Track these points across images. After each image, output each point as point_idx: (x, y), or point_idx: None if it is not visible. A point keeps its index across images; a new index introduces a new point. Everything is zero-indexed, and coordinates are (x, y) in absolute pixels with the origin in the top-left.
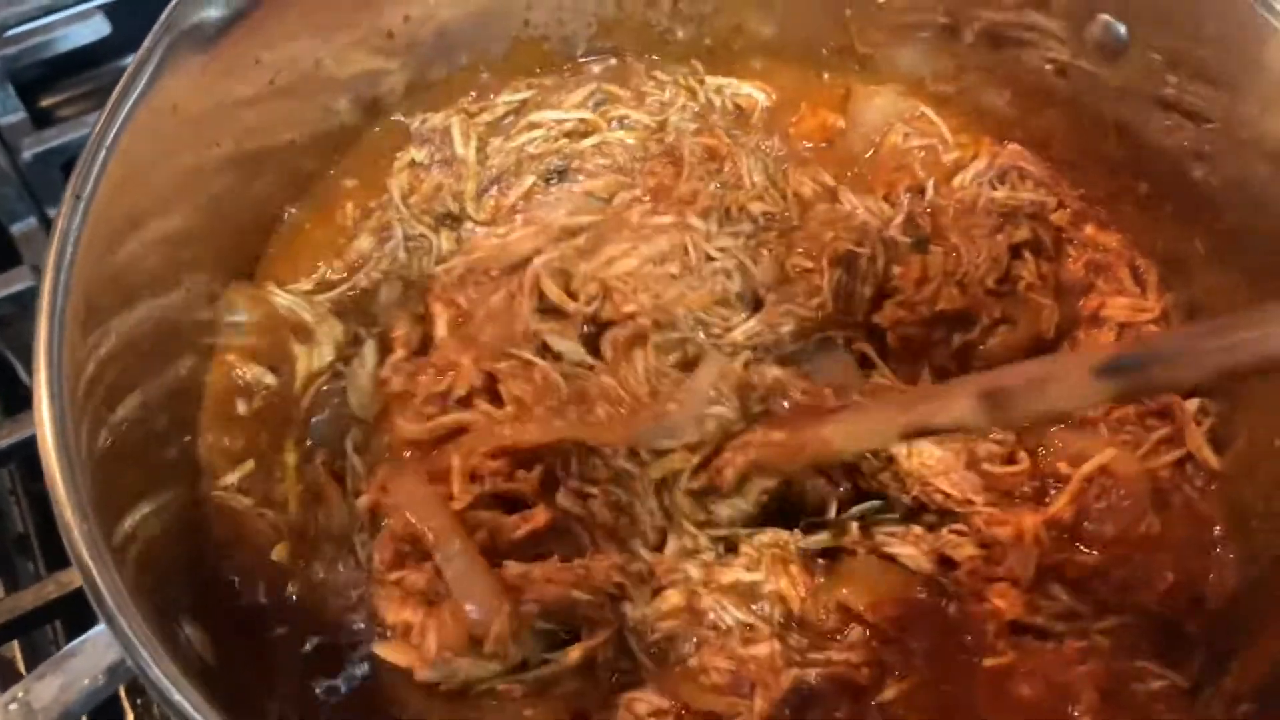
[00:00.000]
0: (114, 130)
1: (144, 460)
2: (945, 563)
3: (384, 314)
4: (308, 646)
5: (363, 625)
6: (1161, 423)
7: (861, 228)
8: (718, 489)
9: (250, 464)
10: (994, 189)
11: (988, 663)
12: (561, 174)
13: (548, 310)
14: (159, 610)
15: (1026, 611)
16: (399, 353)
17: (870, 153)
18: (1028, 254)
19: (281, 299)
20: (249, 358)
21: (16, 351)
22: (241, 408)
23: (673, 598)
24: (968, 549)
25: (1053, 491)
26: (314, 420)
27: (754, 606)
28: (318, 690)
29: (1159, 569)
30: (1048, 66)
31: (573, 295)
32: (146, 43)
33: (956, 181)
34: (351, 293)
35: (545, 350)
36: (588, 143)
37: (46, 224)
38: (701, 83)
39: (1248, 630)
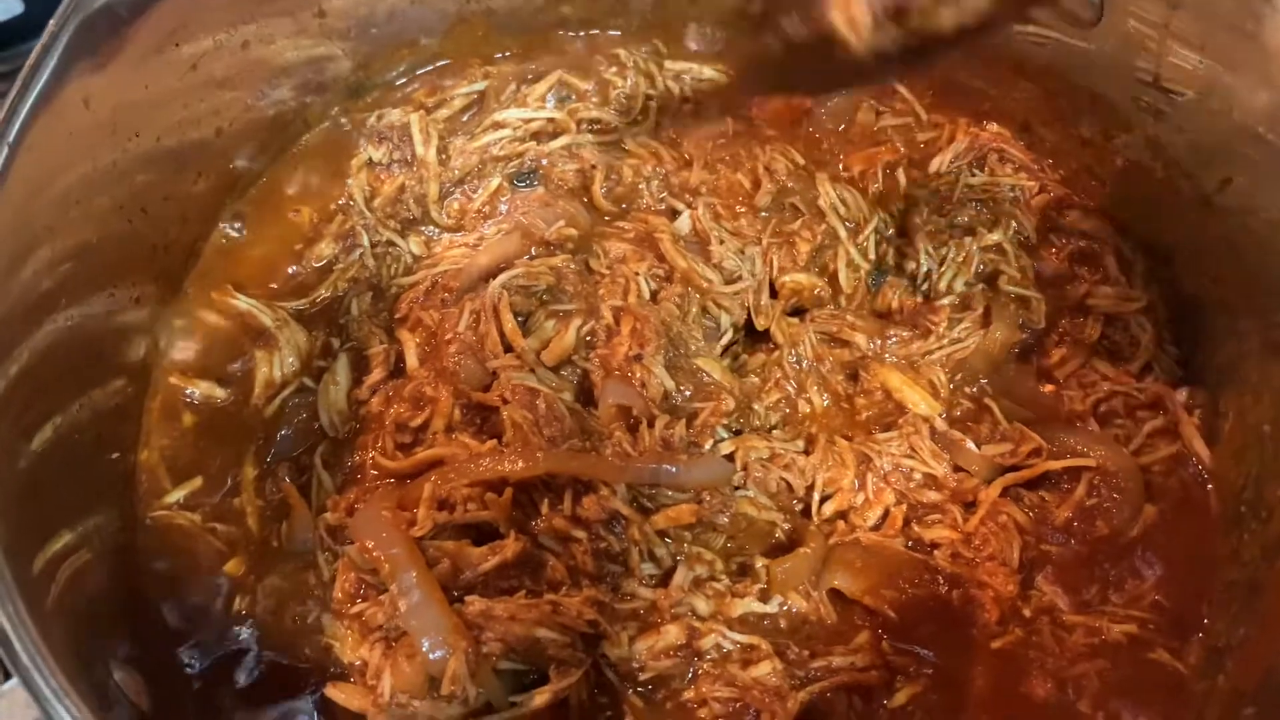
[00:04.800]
0: (16, 126)
1: (70, 487)
2: (928, 547)
3: (355, 327)
4: (254, 680)
5: (316, 656)
6: (1152, 414)
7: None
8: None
9: (199, 480)
10: (973, 174)
11: (995, 645)
12: (530, 175)
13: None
14: (86, 657)
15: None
16: (376, 373)
17: (841, 129)
18: (1008, 247)
19: (240, 302)
20: (195, 371)
21: None
22: (188, 421)
23: (671, 634)
24: (943, 531)
25: (1044, 495)
26: (280, 434)
27: (764, 623)
28: None
29: (1156, 561)
30: (1020, 37)
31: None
32: (50, 28)
33: (934, 166)
34: (317, 301)
35: None
36: (556, 144)
37: None
38: (661, 67)
39: (1244, 623)
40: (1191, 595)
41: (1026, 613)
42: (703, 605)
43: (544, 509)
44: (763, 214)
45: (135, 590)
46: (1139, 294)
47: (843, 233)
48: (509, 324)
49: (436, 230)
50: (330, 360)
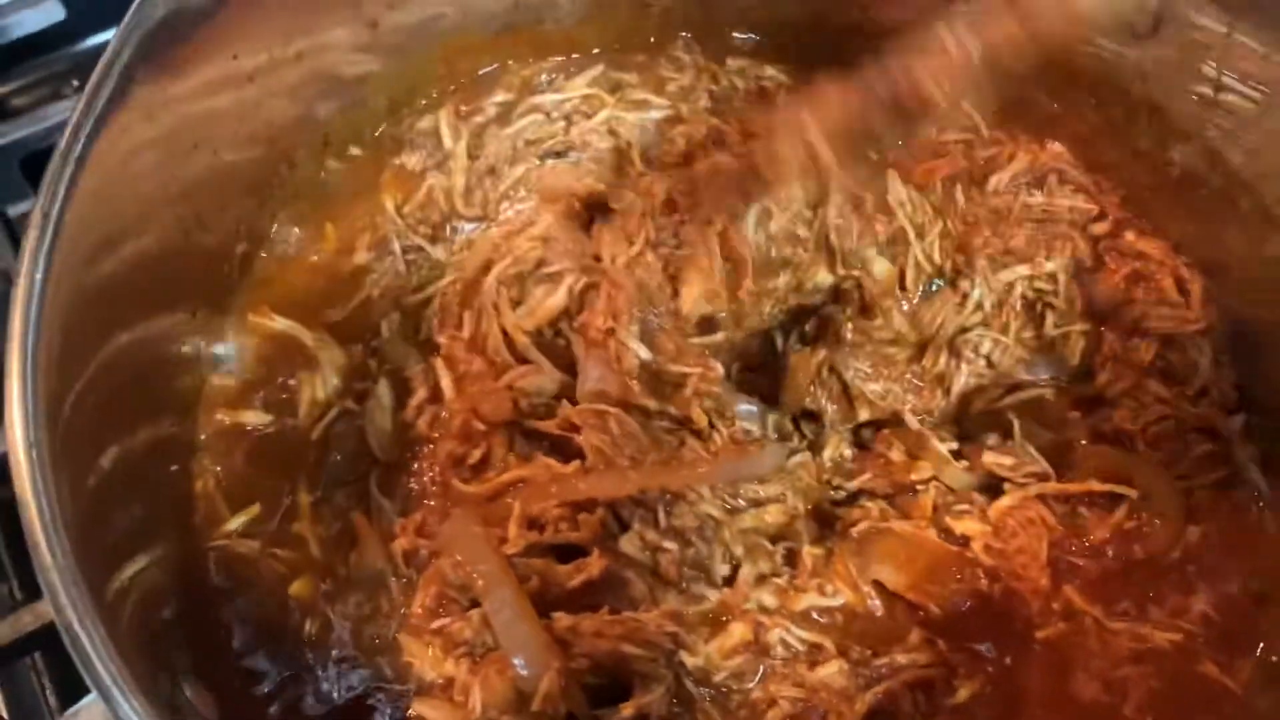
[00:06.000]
0: (81, 141)
1: (136, 509)
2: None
3: (389, 349)
4: (328, 701)
5: (390, 673)
6: (1203, 438)
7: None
8: None
9: (256, 508)
10: (1030, 195)
11: (1040, 634)
12: (559, 155)
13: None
14: (156, 673)
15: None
16: (419, 393)
17: (901, 143)
18: (1062, 276)
19: (278, 323)
20: (240, 395)
21: None
22: (238, 448)
23: (738, 632)
24: (973, 524)
25: (1083, 510)
26: (331, 459)
27: (821, 620)
28: None
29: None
30: (1078, 50)
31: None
32: (114, 42)
33: (992, 185)
34: (352, 316)
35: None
36: (593, 121)
37: (7, 224)
38: (723, 64)
39: None
40: (1241, 613)
41: (1055, 605)
42: (770, 599)
43: (634, 524)
44: None
45: (203, 611)
46: (1196, 314)
47: (911, 233)
48: (510, 321)
49: (465, 225)
50: (370, 383)
